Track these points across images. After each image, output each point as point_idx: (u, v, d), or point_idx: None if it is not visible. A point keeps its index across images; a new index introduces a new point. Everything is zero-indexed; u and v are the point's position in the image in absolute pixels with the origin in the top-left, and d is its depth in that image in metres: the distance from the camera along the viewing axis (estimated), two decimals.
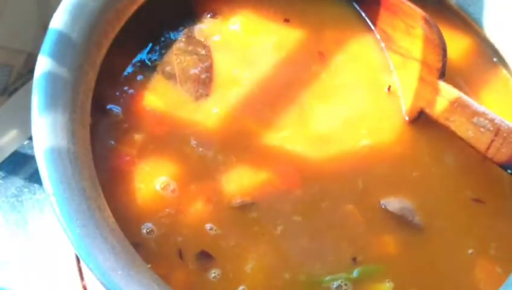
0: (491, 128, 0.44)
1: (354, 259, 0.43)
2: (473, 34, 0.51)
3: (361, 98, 0.49)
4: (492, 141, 0.44)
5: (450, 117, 0.45)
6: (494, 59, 0.50)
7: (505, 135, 0.43)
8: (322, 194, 0.45)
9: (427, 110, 0.47)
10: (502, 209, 0.46)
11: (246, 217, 0.44)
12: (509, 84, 0.50)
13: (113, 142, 0.46)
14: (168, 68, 0.49)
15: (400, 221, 0.44)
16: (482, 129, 0.44)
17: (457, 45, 0.51)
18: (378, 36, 0.51)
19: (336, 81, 0.50)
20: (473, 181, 0.46)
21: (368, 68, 0.50)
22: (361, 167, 0.46)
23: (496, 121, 0.44)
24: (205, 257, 0.42)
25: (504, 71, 0.50)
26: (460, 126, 0.45)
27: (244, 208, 0.44)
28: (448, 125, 0.46)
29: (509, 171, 0.44)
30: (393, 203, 0.45)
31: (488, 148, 0.44)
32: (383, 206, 0.45)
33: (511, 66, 0.49)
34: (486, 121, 0.44)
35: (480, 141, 0.44)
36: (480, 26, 0.49)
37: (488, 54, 0.51)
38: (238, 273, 0.42)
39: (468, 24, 0.50)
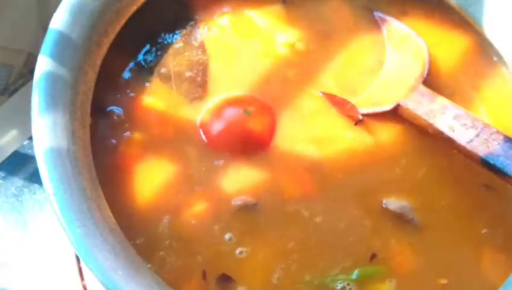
0: (473, 126, 0.45)
1: (356, 261, 0.43)
2: (473, 34, 0.51)
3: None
4: (476, 136, 0.44)
5: (431, 114, 0.46)
6: (494, 58, 0.50)
7: (488, 133, 0.45)
8: (323, 194, 0.45)
9: (410, 107, 0.47)
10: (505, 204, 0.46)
11: (248, 217, 0.44)
12: (509, 83, 0.50)
13: (114, 141, 0.46)
14: (163, 70, 0.49)
15: (401, 219, 0.45)
16: (465, 126, 0.45)
17: (457, 44, 0.51)
18: (384, 33, 0.51)
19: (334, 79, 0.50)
20: (471, 181, 0.47)
21: (365, 61, 0.51)
22: (363, 166, 0.46)
23: (477, 122, 0.45)
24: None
25: (504, 71, 0.50)
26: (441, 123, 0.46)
27: (247, 209, 0.44)
28: (427, 119, 0.46)
29: (491, 161, 0.44)
30: (393, 202, 0.45)
31: (471, 141, 0.44)
32: (384, 206, 0.45)
33: (511, 65, 0.49)
34: (468, 120, 0.45)
35: (463, 134, 0.45)
36: (480, 26, 0.49)
37: (488, 53, 0.50)
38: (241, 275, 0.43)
39: (468, 24, 0.50)
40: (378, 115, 0.48)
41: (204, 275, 0.42)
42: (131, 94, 0.48)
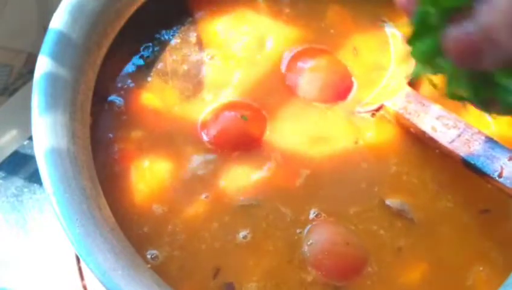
0: (455, 127, 0.45)
1: None
2: None
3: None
4: (458, 136, 0.45)
5: (415, 113, 0.47)
6: None
7: (470, 133, 0.45)
8: (323, 193, 0.45)
9: (394, 107, 0.47)
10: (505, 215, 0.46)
11: (249, 214, 0.44)
12: None
13: (114, 140, 0.46)
14: (161, 66, 0.49)
15: (401, 218, 0.45)
16: (447, 126, 0.45)
17: None
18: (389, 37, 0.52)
19: None
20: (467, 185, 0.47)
21: (366, 64, 0.51)
22: (365, 166, 0.47)
23: (459, 122, 0.46)
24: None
25: None
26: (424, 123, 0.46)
27: (248, 206, 0.44)
28: (410, 118, 0.47)
29: (471, 161, 0.44)
30: (394, 201, 0.45)
31: (453, 141, 0.45)
32: (386, 204, 0.45)
33: None
34: (451, 121, 0.46)
35: (445, 134, 0.45)
36: None
37: None
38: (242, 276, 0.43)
39: None
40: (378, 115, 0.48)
41: (215, 275, 0.42)
42: (132, 90, 0.48)
